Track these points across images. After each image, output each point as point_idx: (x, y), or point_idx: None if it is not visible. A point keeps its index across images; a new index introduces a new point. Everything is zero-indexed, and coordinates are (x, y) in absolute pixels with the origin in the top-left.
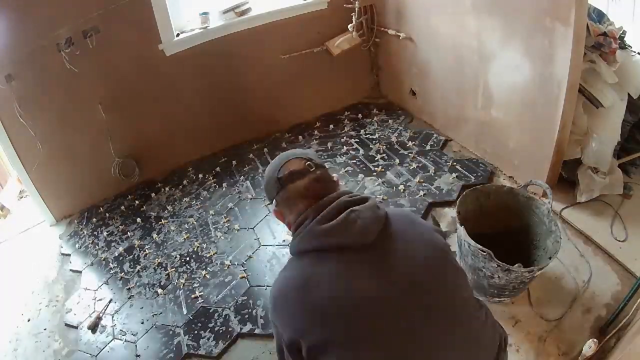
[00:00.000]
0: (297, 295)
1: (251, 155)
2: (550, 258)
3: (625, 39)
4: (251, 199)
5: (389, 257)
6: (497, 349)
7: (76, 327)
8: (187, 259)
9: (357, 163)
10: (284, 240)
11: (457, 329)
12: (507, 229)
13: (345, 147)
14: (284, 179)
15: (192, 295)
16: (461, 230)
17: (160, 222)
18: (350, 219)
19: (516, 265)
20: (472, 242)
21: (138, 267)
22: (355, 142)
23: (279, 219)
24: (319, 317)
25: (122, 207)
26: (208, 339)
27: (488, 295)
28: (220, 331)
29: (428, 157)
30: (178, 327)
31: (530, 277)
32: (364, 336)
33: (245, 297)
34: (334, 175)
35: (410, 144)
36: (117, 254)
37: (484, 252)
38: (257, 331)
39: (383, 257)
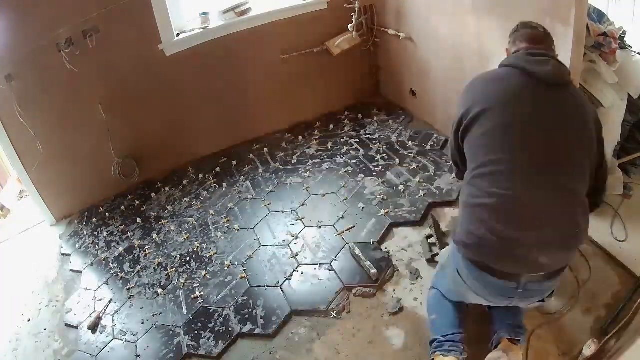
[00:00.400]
0: (482, 81)
1: (251, 155)
2: None
3: (625, 39)
4: (251, 199)
5: (558, 102)
6: (580, 232)
7: (76, 327)
8: (187, 259)
9: (357, 163)
10: (283, 240)
11: (576, 196)
12: None
13: (345, 147)
14: (520, 26)
15: (192, 295)
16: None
17: (160, 222)
18: (547, 61)
19: None
20: None
21: (138, 267)
22: (355, 142)
23: (507, 53)
24: (488, 98)
25: (122, 207)
26: (208, 339)
27: None
28: (220, 331)
29: (428, 157)
30: (178, 327)
31: None
32: (513, 125)
33: (245, 297)
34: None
35: (410, 144)
36: (117, 254)
37: None
38: (257, 331)
39: (554, 99)
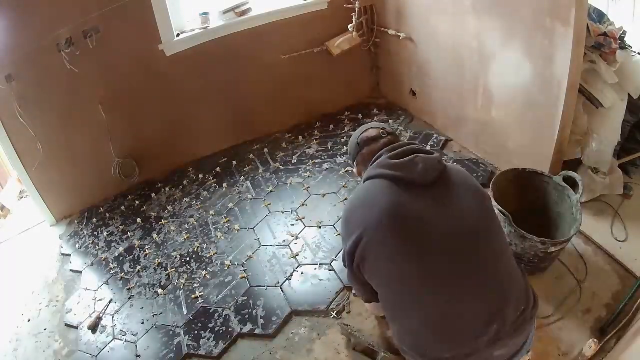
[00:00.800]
0: (361, 204)
1: (251, 155)
2: (565, 240)
3: (625, 39)
4: (251, 199)
5: (446, 196)
6: (527, 296)
7: (76, 327)
8: (187, 259)
9: None
10: (283, 241)
11: (499, 265)
12: (531, 211)
13: (345, 147)
14: (361, 143)
15: (192, 295)
16: (489, 193)
17: (160, 222)
18: (415, 160)
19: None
20: (496, 204)
21: (138, 267)
22: None
23: (359, 175)
24: (377, 221)
25: (122, 207)
26: (208, 339)
27: None
28: (220, 331)
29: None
30: (178, 327)
31: (544, 252)
32: (408, 246)
33: (245, 297)
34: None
35: None
36: (117, 254)
37: (504, 214)
38: (257, 331)
39: (440, 195)
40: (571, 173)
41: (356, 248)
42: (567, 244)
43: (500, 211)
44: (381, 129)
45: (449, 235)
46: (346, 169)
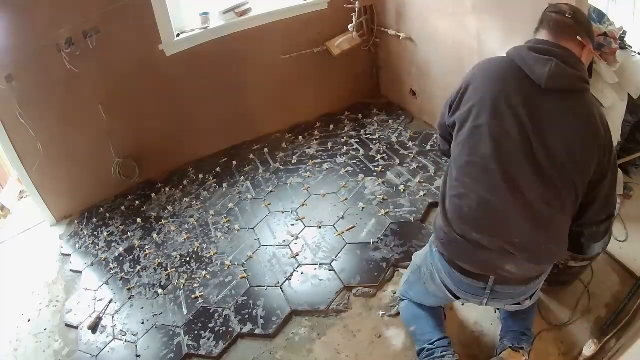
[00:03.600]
0: (484, 72)
1: (251, 155)
2: (587, 258)
3: (625, 39)
4: (251, 199)
5: (554, 111)
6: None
7: (76, 327)
8: (187, 259)
9: (357, 163)
10: (283, 241)
11: (555, 214)
12: None
13: (345, 147)
14: (550, 6)
15: (192, 295)
16: None
17: (160, 222)
18: (548, 65)
19: None
20: None
21: (138, 267)
22: (355, 142)
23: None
24: (483, 95)
25: (122, 207)
26: (208, 339)
27: None
28: (220, 331)
29: (428, 157)
30: (178, 327)
31: (563, 264)
32: (498, 130)
33: (245, 297)
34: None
35: (410, 144)
36: (117, 254)
37: None
38: (257, 331)
39: (549, 107)
40: None
41: (461, 100)
42: (589, 264)
43: None
44: (572, 10)
45: (535, 153)
46: (346, 169)
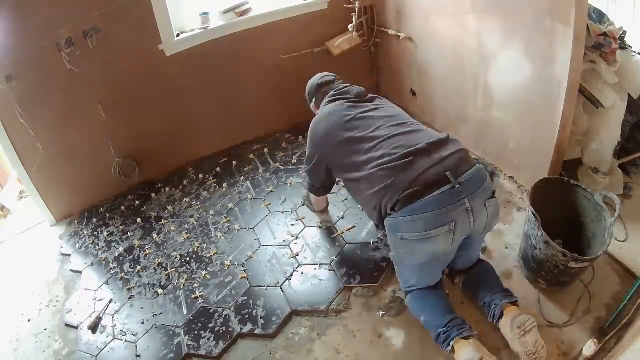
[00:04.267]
0: (321, 119)
1: (251, 155)
2: (587, 259)
3: (625, 39)
4: (251, 199)
5: (377, 105)
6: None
7: (76, 327)
8: (187, 259)
9: None
10: (283, 241)
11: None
12: (570, 227)
13: None
14: (321, 84)
15: (192, 295)
16: (525, 197)
17: (160, 222)
18: (349, 88)
19: (556, 241)
20: (529, 206)
21: (138, 267)
22: None
23: (315, 111)
24: (334, 124)
25: (122, 207)
26: (208, 339)
27: (529, 270)
28: (220, 331)
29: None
30: (178, 327)
31: (564, 265)
32: (358, 131)
33: (245, 297)
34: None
35: None
36: (117, 254)
37: (535, 217)
38: (257, 331)
39: (373, 104)
40: (611, 194)
41: (318, 149)
42: (589, 265)
43: (532, 213)
44: (334, 75)
45: (385, 119)
46: None
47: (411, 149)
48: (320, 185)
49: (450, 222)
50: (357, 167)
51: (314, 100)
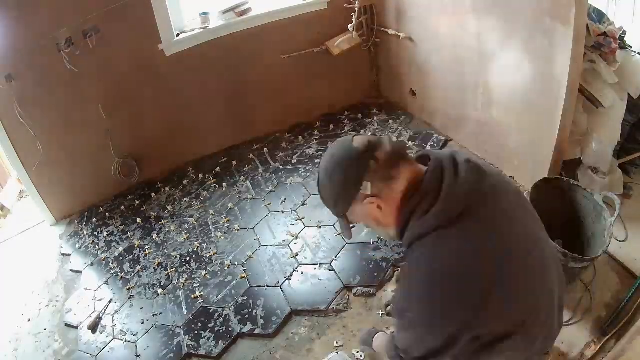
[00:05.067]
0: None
1: (251, 155)
2: (587, 259)
3: (625, 39)
4: (251, 199)
5: (502, 212)
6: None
7: (76, 327)
8: (187, 259)
9: None
10: (283, 241)
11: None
12: (571, 227)
13: None
14: (365, 150)
15: (192, 295)
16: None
17: (160, 222)
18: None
19: (556, 241)
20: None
21: (138, 267)
22: None
23: (372, 215)
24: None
25: (122, 207)
26: (208, 339)
27: None
28: (220, 331)
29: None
30: (178, 327)
31: (564, 265)
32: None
33: (245, 297)
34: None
35: (410, 144)
36: (117, 254)
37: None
38: (257, 331)
39: (499, 213)
40: (611, 194)
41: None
42: (590, 265)
43: None
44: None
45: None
46: None
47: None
48: None
49: None
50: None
51: (367, 188)
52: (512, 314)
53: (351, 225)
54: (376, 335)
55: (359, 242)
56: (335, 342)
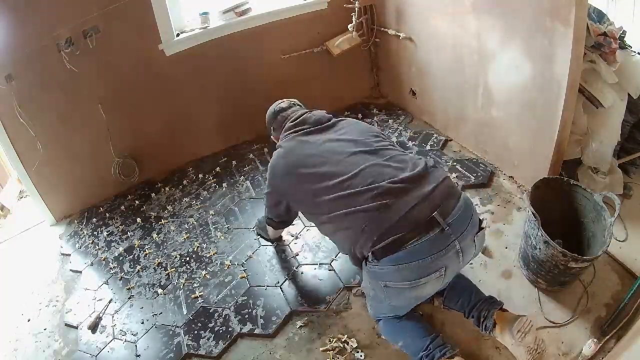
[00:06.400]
0: (281, 156)
1: (251, 155)
2: (587, 260)
3: (625, 39)
4: (251, 199)
5: (336, 130)
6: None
7: (76, 327)
8: (187, 259)
9: None
10: (283, 241)
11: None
12: (571, 227)
13: None
14: (277, 111)
15: (192, 295)
16: (525, 197)
17: (160, 222)
18: (308, 116)
19: (556, 241)
20: (529, 206)
21: (138, 267)
22: None
23: (276, 140)
24: (294, 163)
25: (122, 207)
26: (208, 339)
27: (529, 270)
28: (220, 331)
29: (428, 157)
30: (178, 327)
31: (564, 265)
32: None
33: (245, 297)
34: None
35: (410, 144)
36: (117, 254)
37: (535, 217)
38: (257, 331)
39: (334, 130)
40: (611, 194)
41: (279, 188)
42: (590, 265)
43: (532, 213)
44: (291, 101)
45: (350, 146)
46: None
47: (386, 187)
48: (280, 221)
49: (440, 269)
50: (323, 208)
51: (272, 130)
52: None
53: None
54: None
55: None
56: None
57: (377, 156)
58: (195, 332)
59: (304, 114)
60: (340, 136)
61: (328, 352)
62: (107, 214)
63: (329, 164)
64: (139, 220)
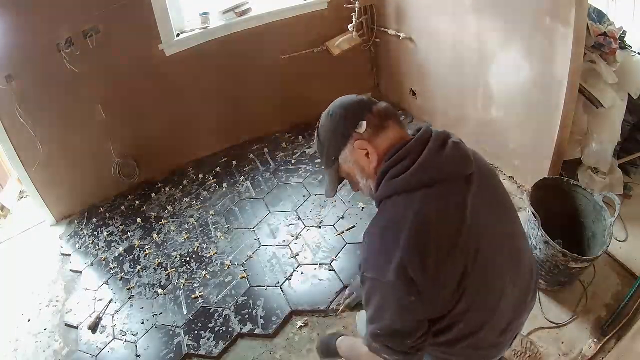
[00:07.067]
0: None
1: (251, 155)
2: (587, 260)
3: (625, 39)
4: (251, 199)
5: (488, 189)
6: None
7: (76, 327)
8: (187, 259)
9: None
10: (283, 240)
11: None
12: (570, 227)
13: None
14: (366, 99)
15: (192, 295)
16: (525, 197)
17: (160, 222)
18: (454, 150)
19: (556, 241)
20: (530, 206)
21: (138, 267)
22: None
23: (359, 162)
24: (459, 253)
25: (122, 207)
26: (208, 339)
27: None
28: (220, 331)
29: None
30: (178, 327)
31: (564, 265)
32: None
33: (245, 297)
34: None
35: None
36: (117, 254)
37: (535, 217)
38: (257, 331)
39: (484, 189)
40: (611, 194)
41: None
42: (590, 265)
43: (532, 213)
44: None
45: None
46: None
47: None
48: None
49: None
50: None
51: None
52: (464, 297)
53: (352, 226)
54: (340, 339)
55: (359, 242)
56: None
57: (520, 270)
58: (195, 332)
59: (442, 136)
60: (487, 202)
61: None
62: (107, 214)
63: (479, 259)
64: (139, 220)
